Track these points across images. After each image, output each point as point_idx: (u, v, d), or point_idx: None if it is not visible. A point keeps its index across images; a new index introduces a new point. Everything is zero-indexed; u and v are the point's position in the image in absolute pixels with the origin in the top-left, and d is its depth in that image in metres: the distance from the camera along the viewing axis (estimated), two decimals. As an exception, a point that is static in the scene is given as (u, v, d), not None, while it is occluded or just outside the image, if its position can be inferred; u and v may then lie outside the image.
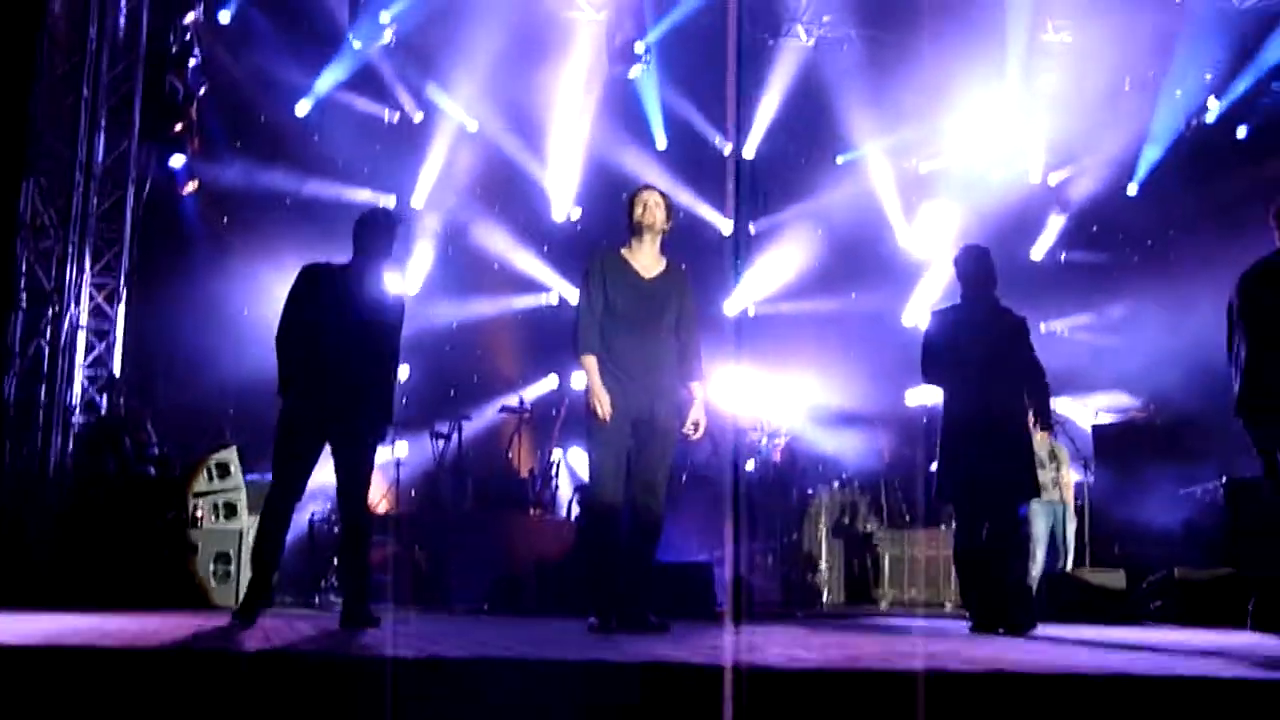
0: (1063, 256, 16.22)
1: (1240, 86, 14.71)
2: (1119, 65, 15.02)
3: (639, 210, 6.54)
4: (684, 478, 11.99)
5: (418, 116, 14.75)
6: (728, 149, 15.48)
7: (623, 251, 6.57)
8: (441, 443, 12.46)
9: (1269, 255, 6.48)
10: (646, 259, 6.54)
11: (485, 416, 13.94)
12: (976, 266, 7.24)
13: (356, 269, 6.69)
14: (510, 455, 12.97)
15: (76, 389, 11.14)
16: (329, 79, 14.13)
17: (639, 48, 14.17)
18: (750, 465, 12.73)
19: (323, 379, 6.48)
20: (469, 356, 15.25)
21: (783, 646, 4.68)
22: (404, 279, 14.62)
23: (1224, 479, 10.68)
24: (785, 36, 14.90)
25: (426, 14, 13.97)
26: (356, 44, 13.82)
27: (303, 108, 14.18)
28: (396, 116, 14.77)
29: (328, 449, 6.55)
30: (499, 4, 14.07)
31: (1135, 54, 14.77)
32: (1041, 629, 6.81)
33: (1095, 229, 16.11)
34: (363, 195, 14.37)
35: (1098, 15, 14.48)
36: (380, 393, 6.64)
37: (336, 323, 6.52)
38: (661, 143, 15.18)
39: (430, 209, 14.94)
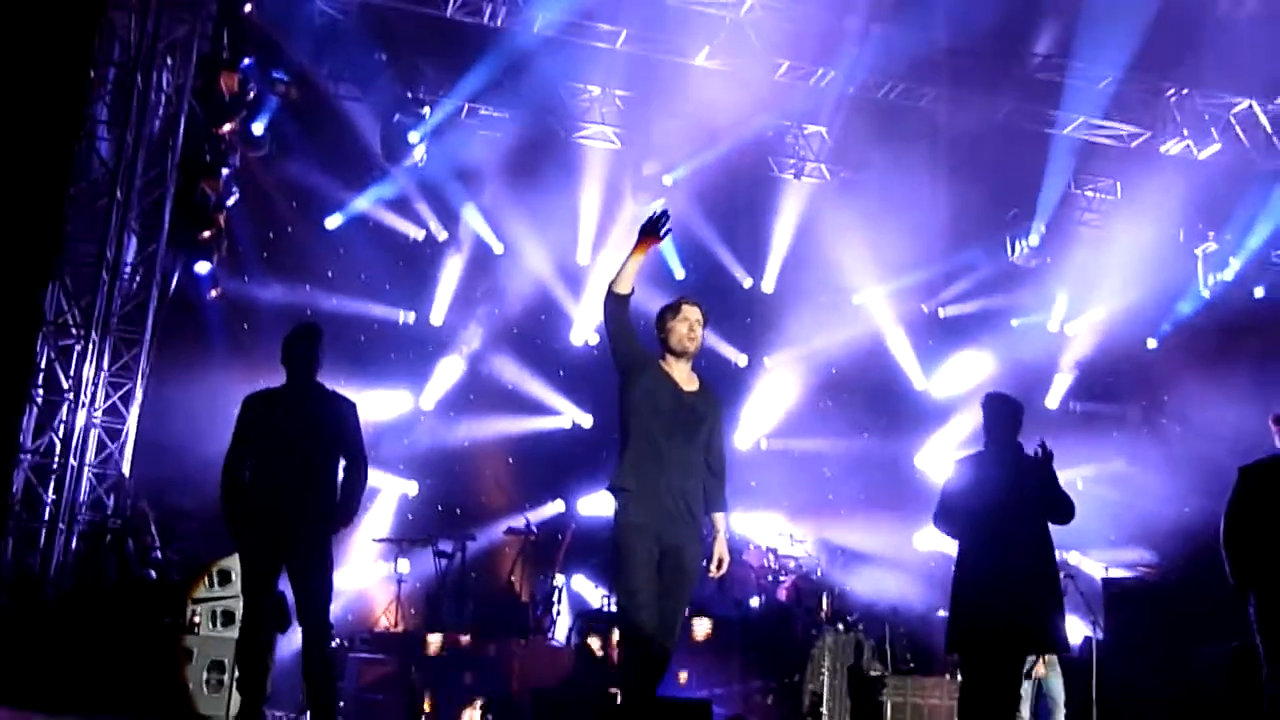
0: (1074, 406, 16.25)
1: (1253, 243, 14.86)
2: (1156, 222, 15.27)
3: (684, 330, 6.12)
4: (686, 612, 11.84)
5: (442, 235, 14.93)
6: (748, 282, 15.60)
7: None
8: (444, 561, 12.38)
9: (1266, 459, 6.79)
10: (682, 374, 6.16)
11: (490, 537, 13.88)
12: (1003, 412, 7.20)
13: (289, 386, 6.78)
14: (512, 578, 12.86)
15: (84, 487, 11.11)
16: (358, 194, 14.36)
17: (666, 180, 14.41)
18: (755, 602, 12.59)
19: (270, 499, 6.62)
20: (477, 476, 15.23)
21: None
22: (414, 396, 14.72)
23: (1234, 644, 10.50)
24: (805, 176, 15.12)
25: (456, 136, 14.21)
26: (387, 163, 14.05)
27: (332, 222, 14.39)
28: (422, 235, 14.95)
29: None
30: (523, 128, 14.36)
31: (1170, 212, 15.01)
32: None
33: (1110, 381, 16.16)
34: (382, 310, 14.54)
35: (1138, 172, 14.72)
36: (323, 499, 6.68)
37: (273, 441, 6.69)
38: (680, 273, 15.31)
39: (449, 328, 15.06)
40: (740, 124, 14.40)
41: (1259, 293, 15.20)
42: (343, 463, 6.80)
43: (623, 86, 14.16)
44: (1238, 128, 14.19)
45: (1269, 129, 14.07)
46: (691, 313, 6.19)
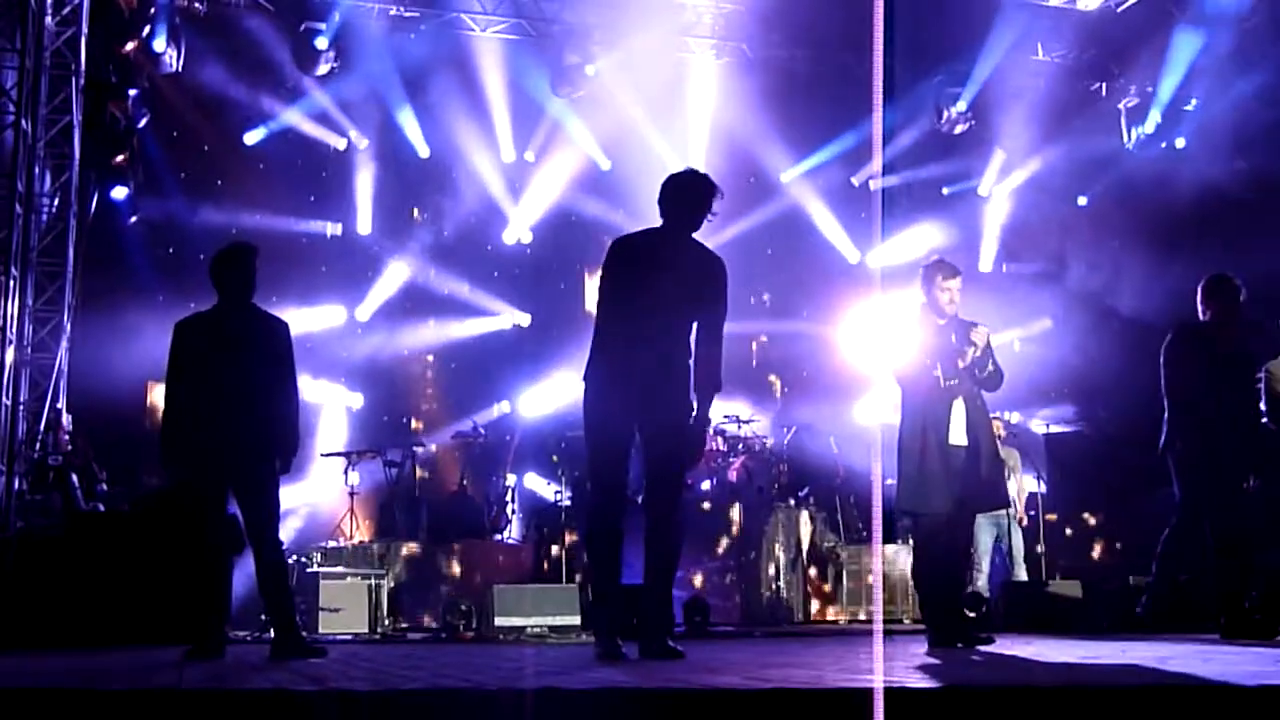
0: (1005, 268, 16.41)
1: (1165, 94, 14.95)
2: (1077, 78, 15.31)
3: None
4: (637, 499, 11.94)
5: (363, 144, 14.67)
6: (678, 167, 15.47)
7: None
8: (394, 471, 12.40)
9: (1189, 324, 7.52)
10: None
11: (438, 443, 13.90)
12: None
13: (222, 308, 6.71)
14: (464, 482, 12.90)
15: (20, 426, 10.95)
16: (274, 108, 14.06)
17: (589, 70, 14.21)
18: (706, 485, 12.72)
19: (211, 425, 6.55)
20: (421, 384, 15.20)
21: (741, 671, 4.65)
22: (349, 308, 14.58)
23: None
24: (724, 56, 14.96)
25: (368, 40, 13.90)
26: (300, 72, 13.74)
27: (251, 137, 14.11)
28: (343, 144, 14.69)
29: None
30: (434, 27, 14.08)
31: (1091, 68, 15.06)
32: (1001, 642, 6.82)
33: (1041, 241, 16.29)
34: (308, 224, 14.33)
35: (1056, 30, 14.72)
36: (271, 426, 6.64)
37: (209, 366, 6.61)
38: (606, 164, 15.18)
39: (377, 237, 14.89)
40: (657, 6, 14.22)
41: (1180, 143, 15.28)
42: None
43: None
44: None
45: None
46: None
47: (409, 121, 14.60)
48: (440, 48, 14.20)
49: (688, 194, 6.07)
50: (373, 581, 10.39)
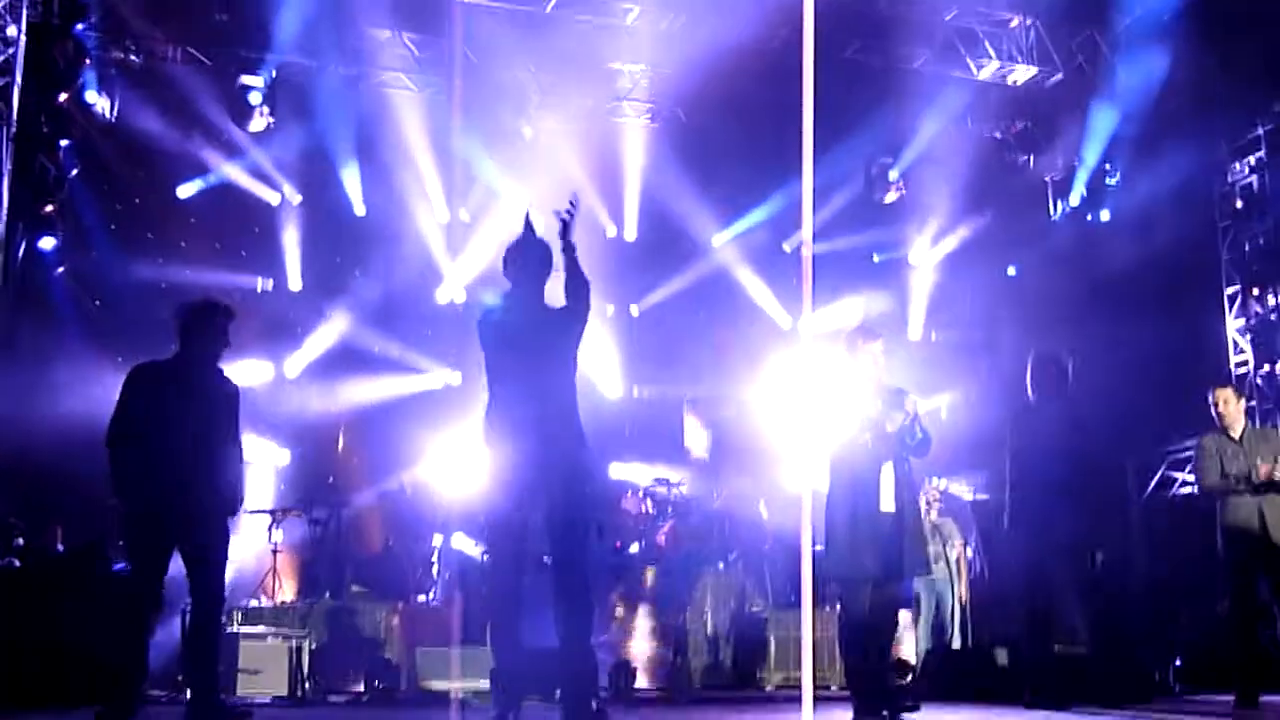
0: (933, 336, 16.62)
1: (1084, 168, 15.30)
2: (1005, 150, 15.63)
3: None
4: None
5: (296, 199, 14.61)
6: (611, 231, 15.56)
7: None
8: (319, 528, 12.25)
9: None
10: None
11: (364, 502, 13.75)
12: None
13: (184, 361, 6.66)
14: (390, 541, 12.77)
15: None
16: (207, 161, 13.98)
17: (526, 131, 14.29)
18: (635, 549, 12.69)
19: (159, 476, 6.46)
20: (349, 441, 15.03)
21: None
22: (276, 365, 14.45)
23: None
24: (657, 120, 15.10)
25: (303, 95, 13.89)
26: (235, 126, 13.68)
27: (185, 191, 14.01)
28: (277, 199, 14.62)
29: None
30: (371, 85, 14.11)
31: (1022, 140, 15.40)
32: (926, 711, 6.83)
33: (972, 309, 16.53)
34: (239, 279, 14.22)
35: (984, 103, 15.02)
36: (219, 481, 6.56)
37: (168, 418, 6.55)
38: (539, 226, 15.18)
39: (309, 293, 14.79)
40: (591, 69, 14.36)
41: (1105, 216, 15.62)
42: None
43: (472, 37, 13.93)
44: (1080, 56, 14.55)
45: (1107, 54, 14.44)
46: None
47: (344, 179, 14.58)
48: (376, 106, 14.21)
49: None
50: (294, 642, 10.21)
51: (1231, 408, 8.38)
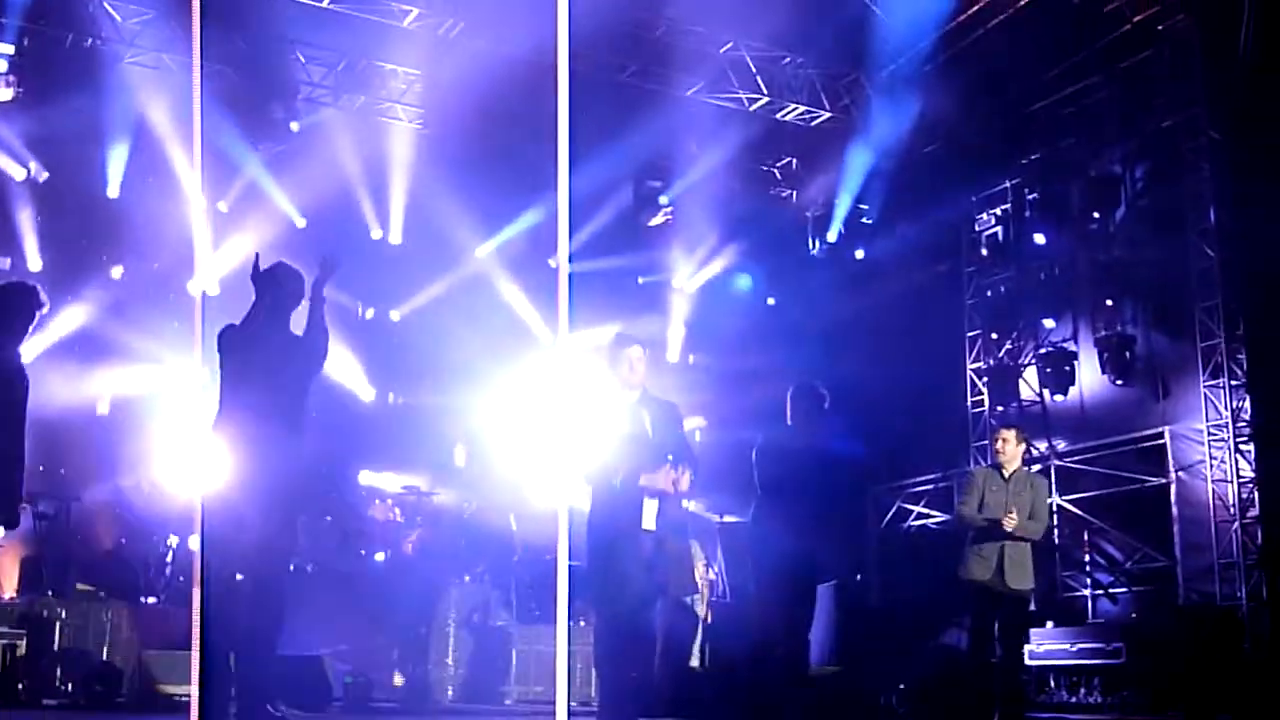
0: (690, 359, 16.96)
1: (842, 206, 15.87)
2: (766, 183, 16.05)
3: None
4: (309, 568, 11.62)
5: (43, 176, 13.86)
6: (376, 233, 15.32)
7: None
8: (45, 524, 11.62)
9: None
10: None
11: (96, 497, 13.09)
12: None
13: None
14: (123, 540, 12.20)
15: None
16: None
17: (294, 126, 13.93)
18: (380, 557, 12.47)
19: None
20: (84, 433, 14.28)
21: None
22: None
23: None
24: (427, 126, 14.97)
25: (54, 70, 13.19)
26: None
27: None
28: (23, 175, 13.84)
29: None
30: (139, 72, 13.52)
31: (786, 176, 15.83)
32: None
33: (731, 335, 16.91)
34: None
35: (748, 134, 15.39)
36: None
37: None
38: (300, 221, 14.85)
39: (49, 276, 14.02)
40: (365, 70, 14.15)
41: (859, 254, 16.22)
42: None
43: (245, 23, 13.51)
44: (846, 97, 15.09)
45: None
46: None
47: (97, 158, 13.91)
48: (142, 85, 13.59)
49: None
50: (8, 641, 9.66)
51: (1009, 447, 8.66)
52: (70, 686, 10.01)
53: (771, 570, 7.87)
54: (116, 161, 14.02)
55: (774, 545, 7.75)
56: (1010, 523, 8.27)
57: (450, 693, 11.62)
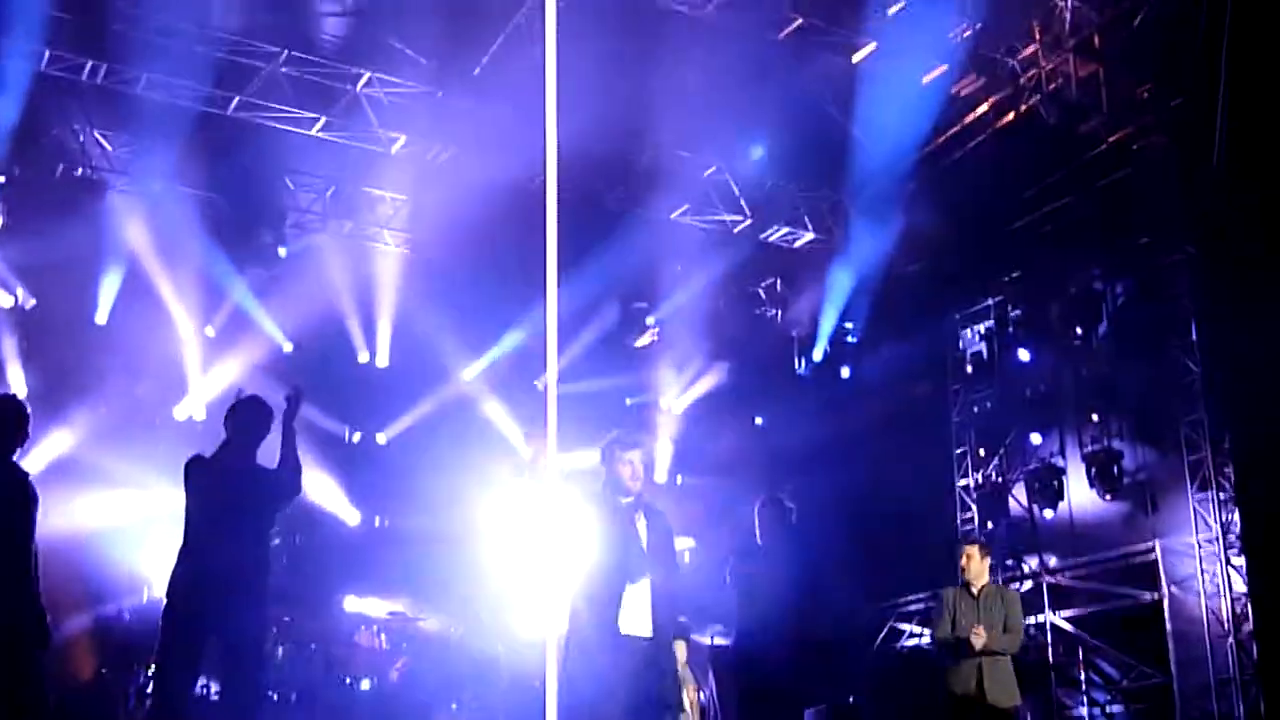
0: (679, 479, 16.92)
1: (827, 326, 15.95)
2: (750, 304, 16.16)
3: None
4: (293, 696, 11.45)
5: (30, 304, 13.89)
6: (363, 356, 15.35)
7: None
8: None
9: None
10: None
11: (76, 627, 12.87)
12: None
13: None
14: (102, 670, 11.99)
15: None
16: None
17: (281, 251, 14.02)
18: (366, 685, 12.27)
19: None
20: (62, 563, 14.05)
21: None
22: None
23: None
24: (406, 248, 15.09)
25: (37, 202, 13.23)
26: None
27: None
28: (10, 303, 13.87)
29: None
30: (125, 200, 13.64)
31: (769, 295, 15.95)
32: None
33: (719, 456, 16.88)
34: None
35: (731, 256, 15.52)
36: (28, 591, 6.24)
37: None
38: (287, 346, 14.91)
39: (33, 403, 13.90)
40: (353, 196, 14.32)
41: (845, 373, 16.26)
42: None
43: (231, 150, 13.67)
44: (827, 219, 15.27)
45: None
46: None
47: (85, 285, 13.96)
48: (127, 211, 13.71)
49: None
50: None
51: (975, 563, 8.61)
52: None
53: (754, 692, 7.74)
54: (105, 289, 14.07)
55: (756, 665, 7.62)
56: (979, 640, 8.21)
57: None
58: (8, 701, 6.04)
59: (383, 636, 12.73)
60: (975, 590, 8.55)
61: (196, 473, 6.75)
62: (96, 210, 13.51)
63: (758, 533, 8.14)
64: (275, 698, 11.51)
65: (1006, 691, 8.38)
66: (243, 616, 6.48)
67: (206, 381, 14.64)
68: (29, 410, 6.78)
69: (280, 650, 11.96)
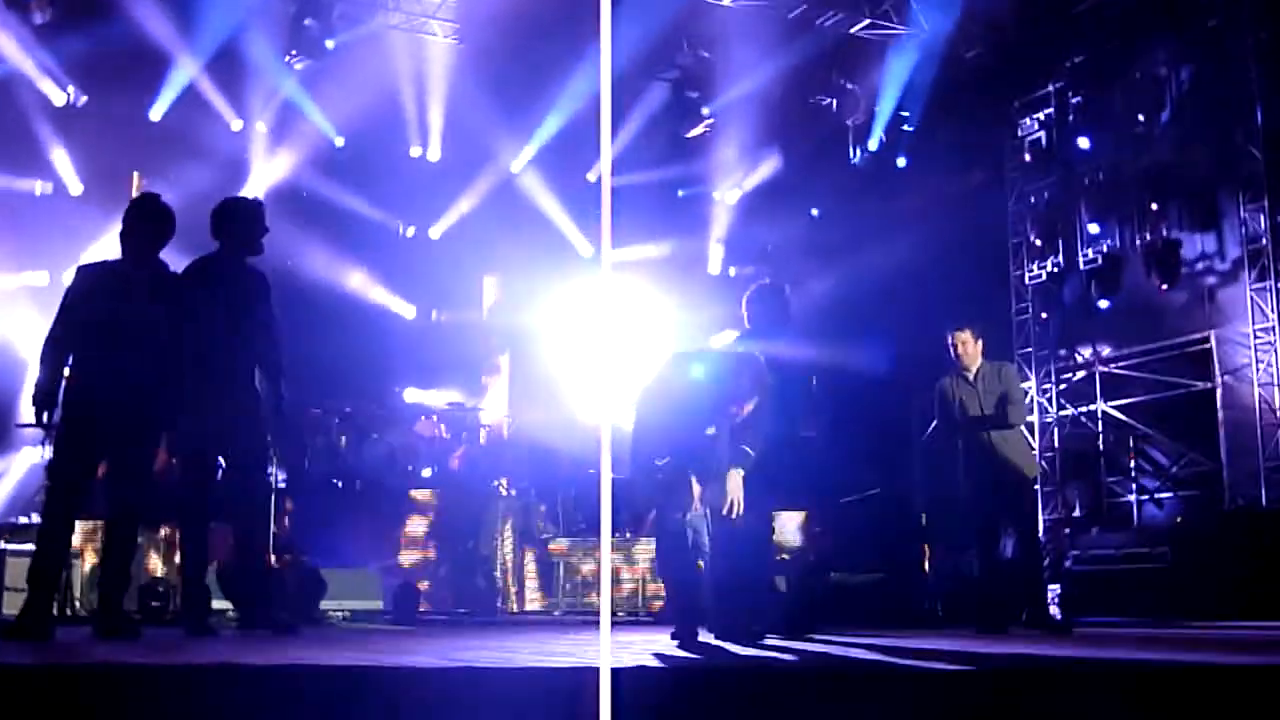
0: (731, 271, 16.89)
1: (883, 114, 15.60)
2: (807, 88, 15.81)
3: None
4: (357, 484, 11.77)
5: (82, 100, 13.86)
6: (415, 150, 15.25)
7: None
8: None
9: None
10: None
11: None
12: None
13: (133, 262, 6.51)
14: (173, 460, 12.33)
15: None
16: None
17: (329, 44, 13.82)
18: (427, 473, 12.59)
19: (113, 382, 6.24)
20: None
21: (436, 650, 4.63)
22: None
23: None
24: (462, 41, 14.81)
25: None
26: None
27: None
28: (63, 99, 13.84)
29: None
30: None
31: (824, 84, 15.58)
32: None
33: (768, 247, 16.81)
34: (16, 184, 13.50)
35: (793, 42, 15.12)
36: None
37: (120, 321, 6.32)
38: (339, 140, 14.85)
39: (92, 199, 14.07)
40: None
41: (901, 162, 15.99)
42: None
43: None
44: None
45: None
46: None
47: (135, 80, 13.87)
48: (167, 4, 13.51)
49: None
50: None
51: (969, 349, 8.66)
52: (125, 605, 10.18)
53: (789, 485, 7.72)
54: (156, 83, 13.99)
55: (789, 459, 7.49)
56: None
57: (500, 603, 11.76)
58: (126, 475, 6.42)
59: (443, 426, 12.99)
60: (970, 375, 8.62)
61: (195, 278, 7.11)
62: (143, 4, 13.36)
63: (744, 320, 7.97)
64: (339, 485, 11.85)
65: (1025, 461, 8.65)
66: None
67: (258, 176, 14.65)
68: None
69: (343, 440, 12.26)
